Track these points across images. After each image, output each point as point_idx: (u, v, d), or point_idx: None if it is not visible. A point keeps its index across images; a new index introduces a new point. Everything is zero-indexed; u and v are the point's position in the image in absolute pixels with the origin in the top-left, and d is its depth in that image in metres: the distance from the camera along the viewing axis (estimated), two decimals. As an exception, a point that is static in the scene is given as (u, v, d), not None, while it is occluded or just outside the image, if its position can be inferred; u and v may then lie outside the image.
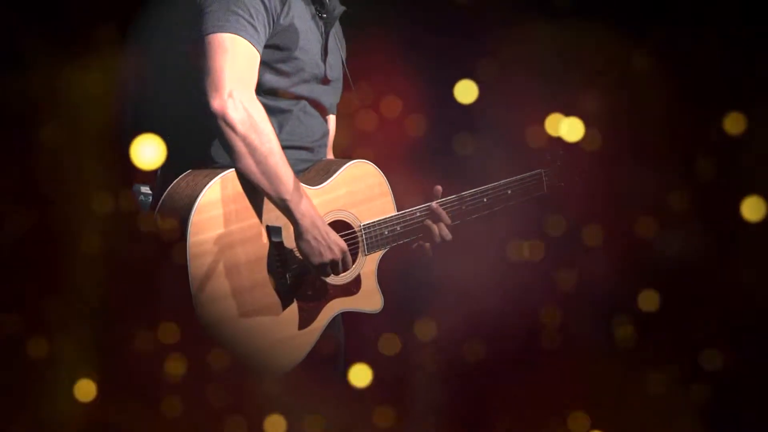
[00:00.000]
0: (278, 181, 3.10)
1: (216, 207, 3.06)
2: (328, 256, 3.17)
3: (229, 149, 3.08)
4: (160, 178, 3.23)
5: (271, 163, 3.08)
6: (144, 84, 4.15)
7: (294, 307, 3.19)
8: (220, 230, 3.06)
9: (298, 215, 3.12)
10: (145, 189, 4.07)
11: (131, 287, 3.19)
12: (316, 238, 3.15)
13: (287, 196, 3.11)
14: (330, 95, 3.41)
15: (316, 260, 3.16)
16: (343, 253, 3.21)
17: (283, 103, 3.26)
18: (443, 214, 3.44)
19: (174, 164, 3.19)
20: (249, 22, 3.12)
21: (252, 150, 3.07)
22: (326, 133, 3.42)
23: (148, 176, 4.09)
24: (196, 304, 3.01)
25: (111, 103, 4.08)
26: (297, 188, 3.12)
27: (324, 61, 3.35)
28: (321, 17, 3.36)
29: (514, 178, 3.62)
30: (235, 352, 3.08)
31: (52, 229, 3.86)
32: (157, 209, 3.11)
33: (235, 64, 3.08)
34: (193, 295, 3.00)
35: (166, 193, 3.11)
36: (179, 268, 3.00)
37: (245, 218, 3.12)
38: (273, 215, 3.15)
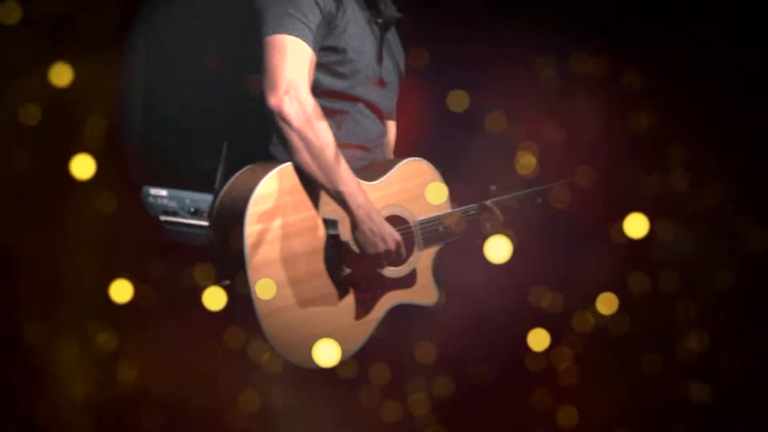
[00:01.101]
0: (334, 173, 3.20)
1: (273, 199, 3.17)
2: (382, 247, 3.26)
3: (285, 144, 3.20)
4: (221, 176, 3.35)
5: (326, 156, 3.19)
6: (202, 85, 4.34)
7: (350, 298, 3.28)
8: (277, 221, 3.17)
9: (353, 207, 3.22)
10: (155, 191, 4.23)
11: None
12: (371, 230, 3.25)
13: (343, 188, 3.21)
14: (386, 99, 3.52)
15: (371, 250, 3.25)
16: (397, 244, 3.29)
17: (340, 104, 3.37)
18: (497, 212, 3.51)
19: (234, 162, 3.30)
20: (304, 24, 3.25)
21: (307, 144, 3.18)
22: (382, 135, 3.53)
23: (159, 178, 4.29)
24: (254, 289, 3.10)
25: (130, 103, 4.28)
26: (352, 180, 3.22)
27: (380, 64, 3.46)
28: (376, 22, 3.48)
29: (567, 180, 3.69)
30: (291, 340, 3.16)
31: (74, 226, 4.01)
32: (216, 202, 3.22)
33: (291, 64, 3.21)
34: (250, 285, 3.10)
35: (226, 186, 3.23)
36: (237, 258, 3.11)
37: (302, 210, 3.21)
38: (329, 208, 3.25)
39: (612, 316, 4.18)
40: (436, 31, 4.35)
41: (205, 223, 4.35)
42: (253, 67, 3.29)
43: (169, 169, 4.41)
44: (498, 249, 3.50)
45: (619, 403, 4.10)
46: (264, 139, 3.30)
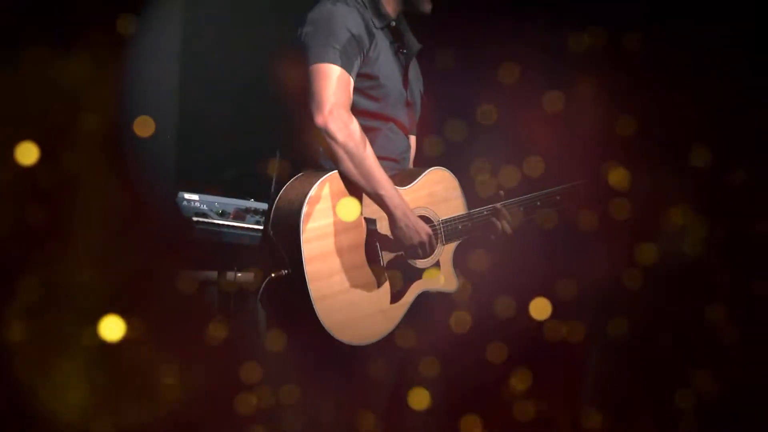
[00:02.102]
0: (374, 179, 3.78)
1: (323, 201, 3.74)
2: (416, 239, 3.84)
3: (332, 156, 3.77)
4: (275, 182, 3.89)
5: (367, 165, 3.77)
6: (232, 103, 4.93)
7: (387, 285, 3.84)
8: (327, 220, 3.74)
9: (391, 207, 3.80)
10: (188, 196, 4.91)
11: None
12: (407, 225, 3.82)
13: (382, 192, 3.78)
14: (411, 117, 4.12)
15: (407, 243, 3.83)
16: (429, 236, 3.87)
17: (374, 123, 3.94)
18: (506, 213, 4.07)
19: (287, 170, 3.86)
20: (343, 54, 3.83)
21: (351, 155, 3.75)
22: (408, 149, 4.12)
23: (190, 184, 5.00)
24: (309, 281, 3.67)
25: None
26: (390, 184, 3.80)
27: (406, 88, 4.06)
28: (402, 53, 4.06)
29: (563, 186, 4.21)
30: (339, 321, 3.72)
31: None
32: (274, 204, 3.77)
33: (333, 88, 3.79)
34: (306, 274, 3.67)
35: (281, 190, 3.78)
36: (294, 252, 3.67)
37: None
38: (369, 209, 3.82)
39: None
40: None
41: (229, 222, 5.13)
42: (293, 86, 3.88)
43: (200, 178, 5.12)
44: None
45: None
46: (314, 153, 3.86)
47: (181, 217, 4.99)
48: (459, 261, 4.06)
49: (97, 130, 4.38)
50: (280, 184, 3.82)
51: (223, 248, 5.00)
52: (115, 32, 4.51)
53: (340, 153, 3.76)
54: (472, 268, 4.10)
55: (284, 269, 3.69)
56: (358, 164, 3.77)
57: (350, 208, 3.78)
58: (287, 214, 3.73)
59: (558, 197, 4.20)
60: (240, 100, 5.40)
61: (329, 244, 3.73)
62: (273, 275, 3.68)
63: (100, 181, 4.36)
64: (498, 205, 4.08)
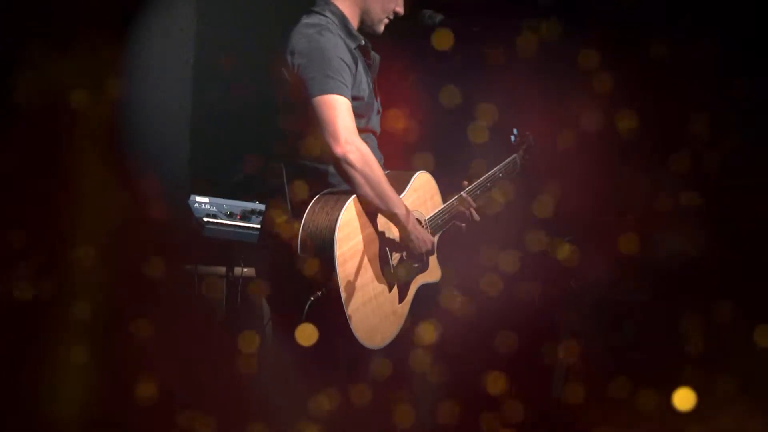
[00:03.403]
0: (389, 200, 4.21)
1: (349, 224, 4.15)
2: (424, 249, 4.34)
3: (350, 182, 4.16)
4: (290, 203, 4.26)
5: (382, 188, 4.19)
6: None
7: (395, 289, 4.34)
8: (354, 241, 4.16)
9: (404, 222, 4.25)
10: (200, 198, 5.42)
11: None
12: (417, 237, 4.31)
13: (396, 210, 4.23)
14: (379, 125, 4.51)
15: (418, 252, 4.32)
16: (433, 244, 4.39)
17: (362, 137, 4.27)
18: (470, 200, 4.63)
19: (301, 190, 4.25)
20: (341, 82, 4.17)
21: (368, 180, 4.16)
22: (381, 155, 4.50)
23: (201, 188, 5.48)
24: (344, 299, 4.11)
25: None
26: (401, 203, 4.25)
27: (377, 99, 4.46)
28: (369, 66, 4.44)
29: (501, 164, 4.80)
30: (367, 329, 4.21)
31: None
32: (301, 231, 4.14)
33: (342, 117, 4.15)
34: (341, 293, 4.11)
35: (305, 216, 4.15)
36: (329, 275, 4.13)
37: (366, 229, 4.23)
38: (383, 221, 4.28)
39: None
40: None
41: (236, 223, 5.64)
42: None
43: (210, 182, 5.69)
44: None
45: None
46: (322, 171, 4.25)
47: (193, 217, 5.48)
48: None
49: (109, 136, 4.61)
50: (298, 207, 4.19)
51: (230, 246, 5.52)
52: (129, 35, 4.64)
53: (359, 179, 4.15)
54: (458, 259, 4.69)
55: (318, 290, 4.11)
56: (375, 187, 4.17)
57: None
58: (318, 240, 4.12)
59: (500, 174, 4.80)
60: (250, 106, 5.64)
61: (357, 262, 4.16)
62: (313, 298, 4.11)
63: (115, 185, 4.65)
64: (462, 193, 4.63)
